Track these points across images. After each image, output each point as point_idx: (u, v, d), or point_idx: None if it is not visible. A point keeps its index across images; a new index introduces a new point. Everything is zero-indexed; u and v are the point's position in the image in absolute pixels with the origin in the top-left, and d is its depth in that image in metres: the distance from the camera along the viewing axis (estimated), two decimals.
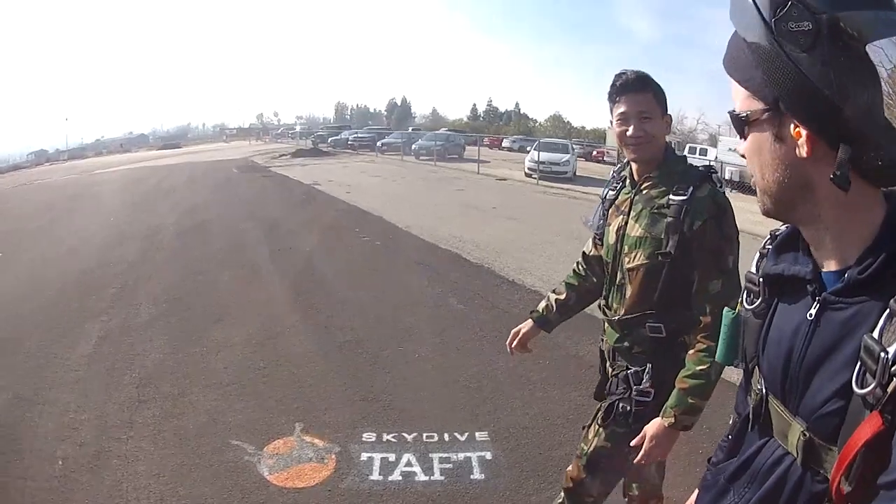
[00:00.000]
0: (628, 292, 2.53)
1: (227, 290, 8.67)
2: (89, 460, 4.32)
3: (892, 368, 0.85)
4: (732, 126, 1.10)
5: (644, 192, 2.51)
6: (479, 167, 29.32)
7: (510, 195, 20.73)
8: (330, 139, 48.90)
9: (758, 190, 1.10)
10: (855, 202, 1.00)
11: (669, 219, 2.35)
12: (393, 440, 4.56)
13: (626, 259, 2.51)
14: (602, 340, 2.77)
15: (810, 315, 1.07)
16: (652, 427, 2.37)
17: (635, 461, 2.42)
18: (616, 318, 2.59)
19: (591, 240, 2.90)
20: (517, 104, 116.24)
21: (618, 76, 2.48)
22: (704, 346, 2.30)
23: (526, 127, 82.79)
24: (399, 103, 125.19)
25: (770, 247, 1.26)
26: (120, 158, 57.19)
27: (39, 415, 5.04)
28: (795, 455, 1.07)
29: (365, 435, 4.62)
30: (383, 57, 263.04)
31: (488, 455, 4.35)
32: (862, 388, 0.89)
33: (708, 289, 2.34)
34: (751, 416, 1.23)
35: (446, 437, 4.58)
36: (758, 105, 1.02)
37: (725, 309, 1.42)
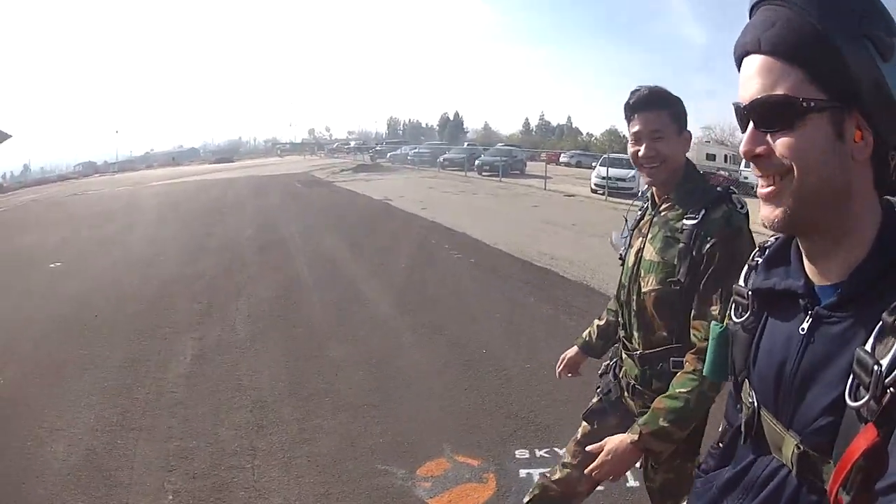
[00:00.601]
0: (647, 322, 2.41)
1: (329, 308, 8.40)
2: (208, 493, 4.02)
3: (886, 380, 0.85)
4: (758, 114, 1.02)
5: (662, 213, 2.40)
6: (545, 183, 29.20)
7: (584, 211, 20.47)
8: (389, 154, 49.48)
9: (784, 194, 1.02)
10: (869, 211, 1.03)
11: (681, 244, 2.24)
12: (546, 455, 4.43)
13: (642, 283, 2.40)
14: (614, 366, 2.68)
15: (802, 329, 1.07)
16: (614, 440, 2.22)
17: (585, 472, 2.31)
18: (637, 352, 2.46)
19: None
20: (569, 118, 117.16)
21: (632, 93, 2.37)
22: (692, 368, 2.16)
23: (582, 141, 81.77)
24: (451, 118, 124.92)
25: (759, 260, 1.26)
26: (172, 171, 57.46)
27: (135, 442, 4.68)
28: (790, 467, 1.07)
29: (517, 452, 4.49)
30: (435, 72, 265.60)
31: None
32: (855, 401, 0.90)
33: (706, 312, 2.19)
34: (743, 428, 1.22)
35: None
36: (819, 94, 0.97)
37: (713, 323, 1.43)
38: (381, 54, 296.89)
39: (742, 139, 1.05)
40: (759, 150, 1.02)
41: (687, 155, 2.41)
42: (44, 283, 10.53)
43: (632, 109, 2.35)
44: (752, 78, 1.02)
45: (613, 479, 2.32)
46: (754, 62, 1.03)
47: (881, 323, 0.91)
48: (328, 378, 5.90)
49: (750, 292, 1.24)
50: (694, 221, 2.22)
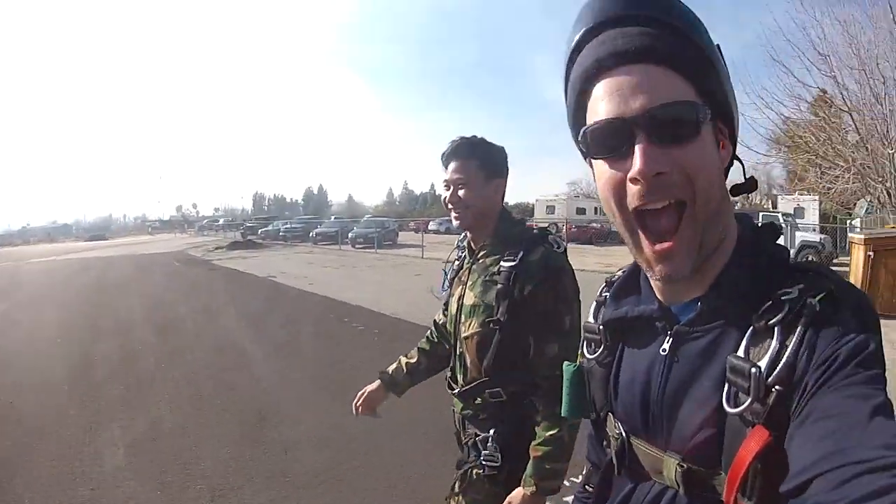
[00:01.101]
0: (467, 363, 2.47)
1: (251, 389, 8.14)
2: None
3: (769, 380, 0.88)
4: (660, 123, 0.95)
5: (480, 260, 2.49)
6: (422, 251, 29.91)
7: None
8: (260, 231, 49.19)
9: (688, 230, 0.99)
10: (731, 219, 1.06)
11: (500, 285, 2.32)
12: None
13: (463, 328, 2.46)
14: (453, 410, 2.70)
15: (664, 350, 1.08)
16: (516, 497, 2.29)
17: None
18: (456, 391, 2.55)
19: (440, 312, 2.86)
20: (432, 185, 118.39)
21: (451, 142, 2.47)
22: (549, 412, 2.24)
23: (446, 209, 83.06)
24: (316, 192, 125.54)
25: (607, 294, 1.27)
26: (49, 248, 56.61)
27: None
28: (676, 487, 1.05)
29: None
30: (298, 145, 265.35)
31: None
32: (735, 407, 0.91)
33: (545, 352, 2.27)
34: (615, 460, 1.22)
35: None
36: (706, 107, 0.98)
37: (565, 363, 1.38)
38: (245, 128, 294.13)
39: (634, 160, 0.95)
40: (663, 165, 0.94)
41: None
42: None
43: (446, 158, 2.46)
44: (634, 87, 0.95)
45: None
46: (634, 72, 0.96)
47: (752, 328, 0.93)
48: (278, 458, 5.77)
49: (601, 326, 1.24)
50: (512, 263, 2.30)
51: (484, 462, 2.40)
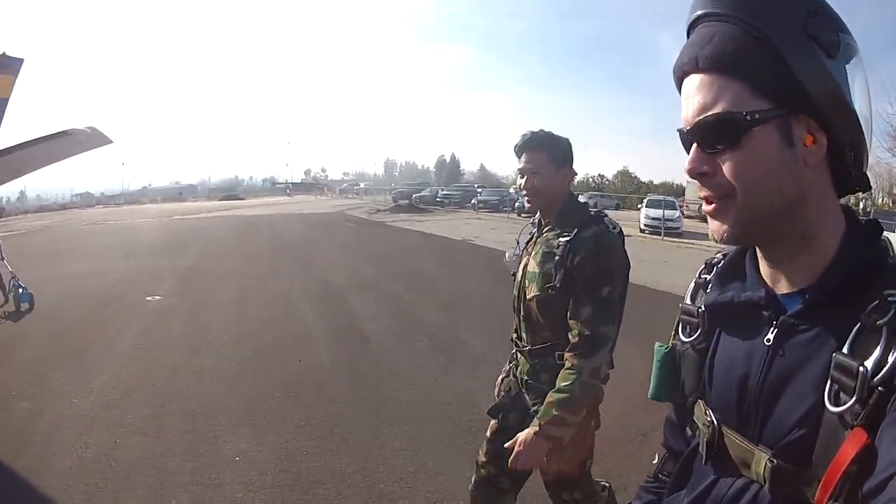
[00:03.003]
0: (532, 323, 2.76)
1: None
2: None
3: (873, 381, 0.83)
4: (700, 136, 0.99)
5: (544, 235, 2.79)
6: None
7: (659, 250, 20.76)
8: (414, 196, 47.98)
9: (729, 211, 1.00)
10: (830, 214, 1.01)
11: (557, 256, 2.60)
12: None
13: (526, 291, 2.76)
14: (512, 368, 3.00)
15: (768, 340, 1.04)
16: (522, 434, 2.54)
17: (509, 465, 2.56)
18: (527, 348, 2.80)
19: None
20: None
21: (521, 136, 2.78)
22: (570, 364, 2.51)
23: (593, 182, 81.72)
24: (448, 160, 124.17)
25: (708, 276, 1.25)
26: (185, 207, 56.14)
27: None
28: (762, 482, 1.02)
29: None
30: (430, 114, 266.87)
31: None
32: (837, 406, 0.87)
33: (579, 313, 2.54)
34: (704, 449, 1.17)
35: None
36: (763, 104, 0.94)
37: (657, 344, 1.36)
38: (376, 97, 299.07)
39: (686, 158, 1.02)
40: (705, 168, 1.00)
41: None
42: (164, 320, 9.84)
43: (518, 150, 2.80)
44: (692, 98, 1.00)
45: (531, 467, 2.62)
46: (693, 82, 1.00)
47: (859, 324, 0.89)
48: None
49: (701, 310, 1.20)
50: (567, 239, 2.61)
51: None
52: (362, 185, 76.96)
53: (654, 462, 1.48)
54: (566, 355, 2.54)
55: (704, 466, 1.18)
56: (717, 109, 0.95)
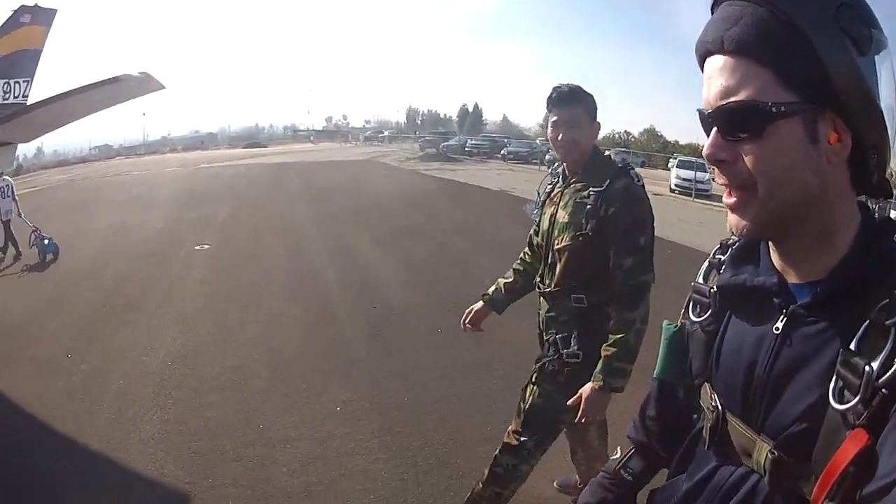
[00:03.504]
0: (557, 270, 2.87)
1: None
2: None
3: (878, 382, 0.81)
4: (722, 121, 0.95)
5: (572, 186, 2.86)
6: None
7: (692, 212, 19.99)
8: (441, 145, 47.46)
9: (749, 206, 0.96)
10: (848, 213, 0.99)
11: (589, 206, 2.71)
12: None
13: (556, 241, 2.85)
14: (538, 312, 3.08)
15: (777, 329, 1.01)
16: (586, 390, 2.64)
17: (575, 420, 2.72)
18: (547, 290, 2.94)
19: (532, 229, 3.28)
20: None
21: (554, 89, 2.85)
22: (620, 317, 2.65)
23: (619, 139, 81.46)
24: (471, 109, 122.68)
25: (722, 257, 1.22)
26: (207, 155, 55.37)
27: None
28: (762, 473, 1.01)
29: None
30: (451, 62, 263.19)
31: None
32: (841, 403, 0.85)
33: (622, 264, 2.66)
34: (707, 433, 1.14)
35: None
36: (790, 97, 0.89)
37: (665, 322, 1.35)
38: (398, 44, 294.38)
39: (706, 142, 0.99)
40: (724, 155, 0.96)
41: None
42: (220, 268, 9.73)
43: (553, 103, 2.83)
44: (716, 80, 0.95)
45: (598, 416, 2.74)
46: (717, 63, 0.95)
47: (867, 322, 0.87)
48: None
49: (713, 289, 1.18)
50: (600, 189, 2.70)
51: (566, 359, 2.82)
52: (386, 133, 75.98)
53: (614, 457, 1.44)
54: (615, 307, 2.68)
55: (706, 452, 1.16)
56: (742, 96, 0.91)
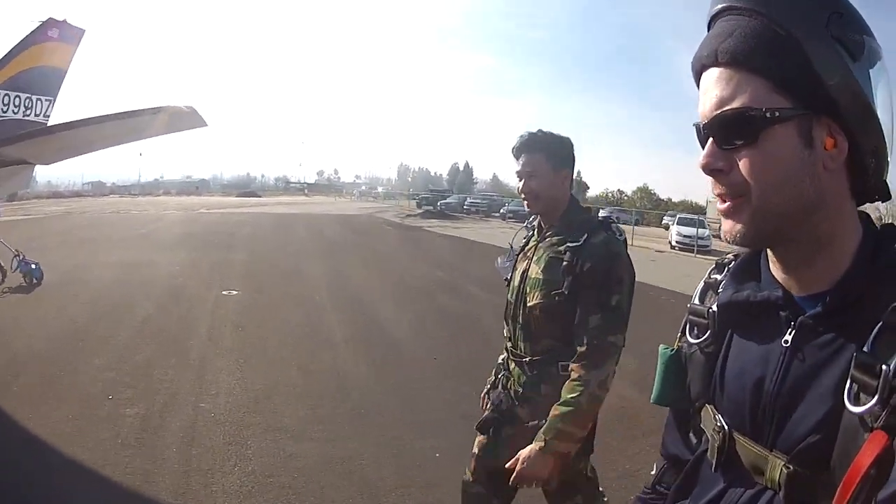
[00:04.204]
0: (532, 332, 2.64)
1: None
2: None
3: (894, 381, 0.81)
4: (716, 130, 0.95)
5: (547, 239, 2.68)
6: (632, 239, 28.20)
7: (697, 267, 19.60)
8: (439, 203, 48.22)
9: (743, 211, 0.96)
10: (848, 219, 0.99)
11: (565, 263, 2.50)
12: None
13: (528, 298, 2.64)
14: (502, 379, 2.80)
15: (786, 342, 1.00)
16: (525, 451, 2.41)
17: (510, 482, 2.45)
18: (526, 359, 2.66)
19: None
20: (579, 172, 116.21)
21: (519, 137, 2.71)
22: (577, 375, 2.40)
23: (612, 198, 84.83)
24: (461, 168, 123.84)
25: (718, 276, 1.21)
26: (204, 201, 55.86)
27: None
28: (777, 490, 0.97)
29: None
30: (443, 121, 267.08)
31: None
32: (857, 406, 0.84)
33: (588, 322, 2.44)
34: (714, 455, 1.10)
35: None
36: (784, 102, 0.91)
37: (661, 346, 1.30)
38: (391, 102, 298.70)
39: (702, 153, 0.99)
40: (720, 164, 0.96)
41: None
42: (256, 315, 9.38)
43: (515, 152, 2.71)
44: (710, 92, 0.97)
45: (536, 485, 2.46)
46: (712, 76, 0.97)
47: (881, 324, 0.86)
48: None
49: (711, 310, 1.16)
50: (577, 244, 2.51)
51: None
52: (380, 189, 77.15)
53: (652, 473, 1.42)
54: (572, 366, 2.45)
55: (713, 474, 1.12)
56: (736, 104, 0.92)
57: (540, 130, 2.70)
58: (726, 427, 1.08)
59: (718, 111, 0.94)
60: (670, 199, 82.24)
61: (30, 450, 4.56)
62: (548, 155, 2.64)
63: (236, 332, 8.22)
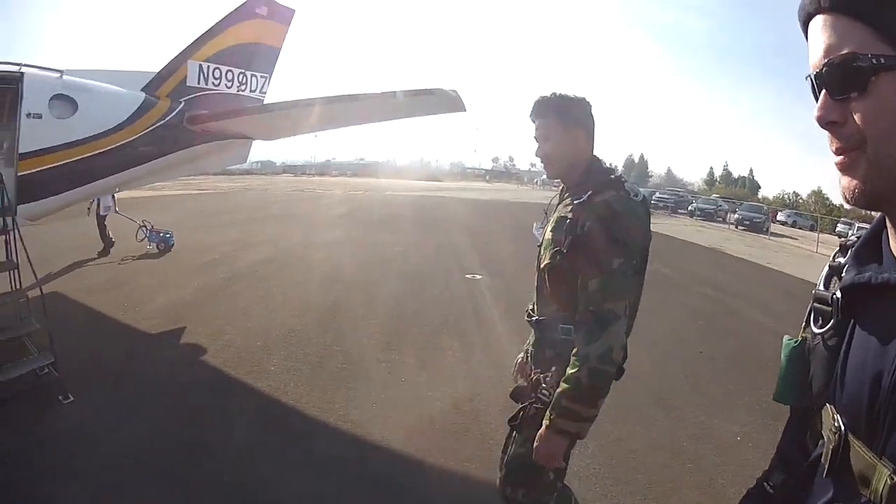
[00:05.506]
0: (544, 294, 2.61)
1: None
2: None
3: None
4: (827, 79, 0.91)
5: (563, 201, 2.61)
6: (816, 247, 26.76)
7: None
8: None
9: (859, 165, 0.90)
10: None
11: (568, 220, 2.43)
12: None
13: (541, 260, 2.60)
14: (528, 344, 2.84)
15: None
16: (539, 431, 2.35)
17: (533, 459, 2.39)
18: (535, 318, 2.68)
19: None
20: (751, 170, 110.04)
21: (534, 101, 2.62)
22: (576, 349, 2.30)
23: (781, 198, 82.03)
24: (636, 160, 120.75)
25: (842, 259, 1.12)
26: (387, 183, 57.06)
27: None
28: (879, 503, 0.87)
29: None
30: (616, 111, 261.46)
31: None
32: None
33: (587, 286, 2.32)
34: (827, 459, 1.01)
35: None
36: (888, 50, 0.86)
37: (785, 337, 1.22)
38: (567, 89, 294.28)
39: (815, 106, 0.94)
40: (835, 116, 0.92)
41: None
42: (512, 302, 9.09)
43: (531, 117, 2.65)
44: (817, 40, 0.94)
45: (553, 463, 2.38)
46: (818, 23, 0.94)
47: None
48: None
49: (835, 296, 1.06)
50: (579, 201, 2.42)
51: (542, 398, 2.46)
52: None
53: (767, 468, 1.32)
54: (574, 336, 2.37)
55: (824, 481, 1.03)
56: (843, 51, 0.88)
57: (553, 93, 2.60)
58: (843, 428, 0.99)
59: (826, 60, 0.91)
60: (842, 206, 76.59)
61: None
62: (559, 117, 2.56)
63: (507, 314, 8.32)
